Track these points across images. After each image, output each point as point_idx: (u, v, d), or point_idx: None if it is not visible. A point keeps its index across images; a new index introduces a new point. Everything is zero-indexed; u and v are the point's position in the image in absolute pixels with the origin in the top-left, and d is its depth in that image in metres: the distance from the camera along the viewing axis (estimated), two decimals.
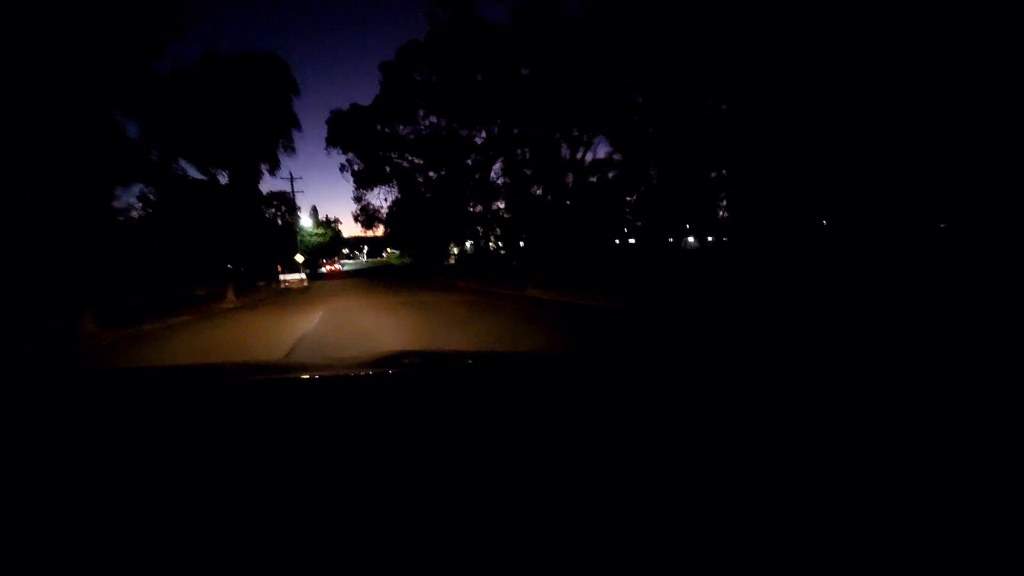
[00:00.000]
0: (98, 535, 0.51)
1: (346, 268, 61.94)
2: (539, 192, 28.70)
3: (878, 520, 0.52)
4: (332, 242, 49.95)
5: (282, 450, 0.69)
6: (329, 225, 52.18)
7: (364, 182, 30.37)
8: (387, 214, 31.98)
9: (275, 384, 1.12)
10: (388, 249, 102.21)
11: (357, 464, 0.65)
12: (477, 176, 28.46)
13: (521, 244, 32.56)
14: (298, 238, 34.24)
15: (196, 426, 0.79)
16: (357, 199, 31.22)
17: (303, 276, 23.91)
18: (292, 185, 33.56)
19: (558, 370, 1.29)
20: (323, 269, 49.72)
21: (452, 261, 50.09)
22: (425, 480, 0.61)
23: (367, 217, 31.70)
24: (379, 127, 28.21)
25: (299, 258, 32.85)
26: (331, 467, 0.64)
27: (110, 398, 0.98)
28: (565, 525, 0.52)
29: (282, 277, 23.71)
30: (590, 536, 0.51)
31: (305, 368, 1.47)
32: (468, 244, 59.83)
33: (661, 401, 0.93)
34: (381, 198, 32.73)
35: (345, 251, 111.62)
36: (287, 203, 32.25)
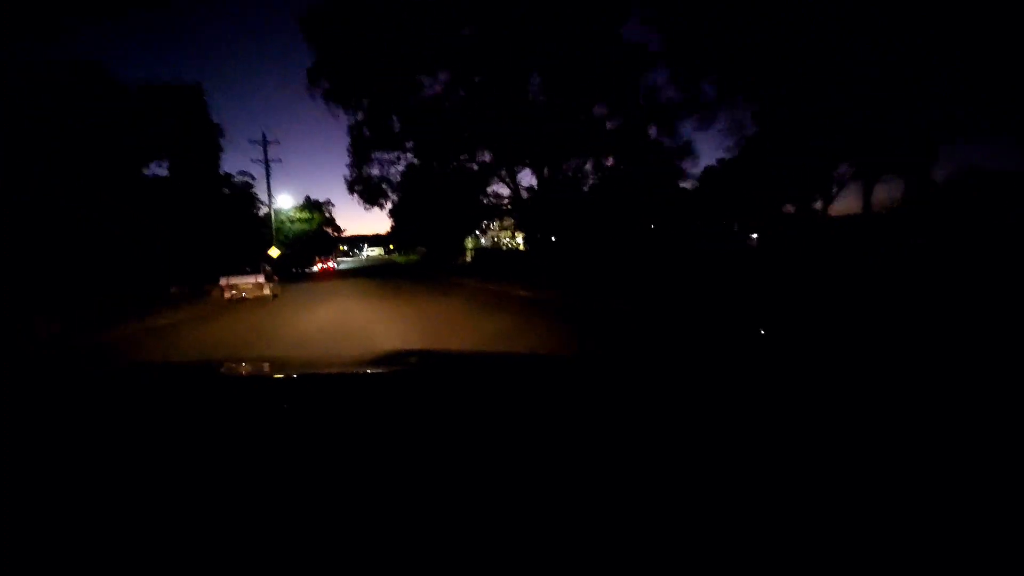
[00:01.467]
0: (97, 534, 0.51)
1: (342, 267, 52.95)
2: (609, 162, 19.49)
3: (878, 519, 0.52)
4: (324, 235, 38.79)
5: (282, 448, 0.69)
6: (319, 208, 37.19)
7: (367, 143, 20.75)
8: (399, 182, 22.15)
9: (274, 382, 1.14)
10: (391, 246, 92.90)
11: (355, 463, 0.65)
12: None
13: (539, 238, 23.54)
14: (273, 224, 24.76)
15: (195, 424, 0.78)
16: (356, 166, 21.54)
17: (261, 279, 14.34)
18: (265, 149, 24.17)
19: (559, 371, 1.29)
20: (315, 267, 40.82)
21: (468, 258, 42.03)
22: (424, 479, 0.61)
23: (369, 190, 22.00)
24: (386, 39, 17.98)
25: (274, 252, 23.61)
26: (329, 466, 0.64)
27: (109, 396, 0.98)
28: (564, 525, 0.52)
29: (224, 281, 14.20)
30: (590, 536, 0.51)
31: (306, 365, 1.51)
32: (482, 239, 51.23)
33: (663, 402, 0.93)
34: (392, 160, 22.24)
35: (343, 248, 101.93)
36: (202, 133, 19.45)
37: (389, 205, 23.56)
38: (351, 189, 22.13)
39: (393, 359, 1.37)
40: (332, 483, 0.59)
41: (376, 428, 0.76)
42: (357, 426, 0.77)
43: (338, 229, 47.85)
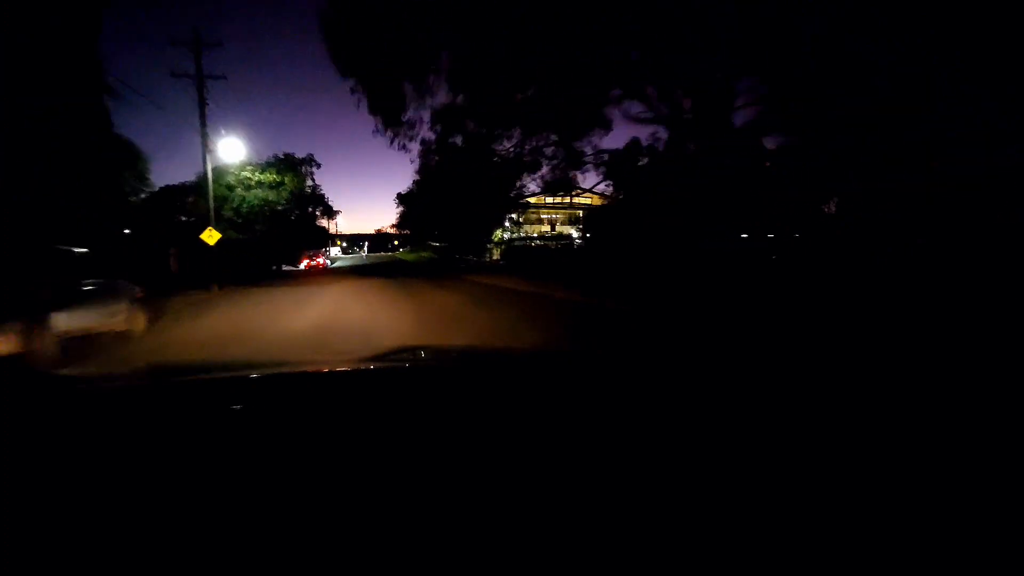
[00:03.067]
0: (100, 534, 0.51)
1: (336, 264, 42.57)
2: None
3: (877, 519, 0.52)
4: (310, 218, 27.69)
5: (286, 446, 0.68)
6: (295, 168, 22.78)
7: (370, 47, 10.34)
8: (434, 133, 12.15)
9: (278, 380, 1.13)
10: (395, 242, 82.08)
11: (360, 460, 0.65)
12: None
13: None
14: (211, 188, 14.44)
15: (198, 423, 0.78)
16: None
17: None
18: (198, 56, 13.98)
19: (562, 366, 1.28)
20: (302, 264, 32.02)
21: (496, 256, 34.46)
22: (429, 475, 0.61)
23: (378, 68, 11.18)
24: None
25: (209, 236, 13.55)
26: (335, 463, 0.64)
27: (109, 396, 0.96)
28: (569, 522, 0.52)
29: None
30: (595, 533, 0.51)
31: (308, 364, 1.50)
32: (506, 233, 41.15)
33: (664, 399, 0.93)
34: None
35: (342, 243, 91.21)
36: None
37: (417, 144, 13.23)
38: (342, 66, 11.58)
39: (397, 355, 1.38)
40: (339, 479, 0.59)
41: (382, 425, 0.75)
42: (362, 423, 0.76)
43: (330, 210, 35.14)
